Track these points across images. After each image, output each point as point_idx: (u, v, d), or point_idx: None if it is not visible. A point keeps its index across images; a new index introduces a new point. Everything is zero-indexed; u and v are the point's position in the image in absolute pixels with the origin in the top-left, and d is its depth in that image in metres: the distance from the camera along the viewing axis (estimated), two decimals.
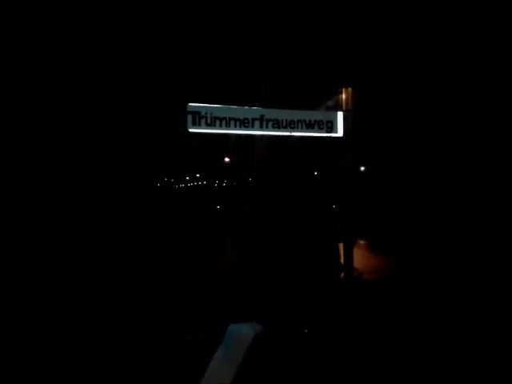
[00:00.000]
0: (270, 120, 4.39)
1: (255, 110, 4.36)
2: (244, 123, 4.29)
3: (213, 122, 4.17)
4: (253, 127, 4.33)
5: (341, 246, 5.16)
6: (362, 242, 16.58)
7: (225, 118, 4.22)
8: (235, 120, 4.26)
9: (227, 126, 4.23)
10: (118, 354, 5.58)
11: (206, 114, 4.16)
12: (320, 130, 4.57)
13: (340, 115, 4.63)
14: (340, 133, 4.63)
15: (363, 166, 23.72)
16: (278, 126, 4.41)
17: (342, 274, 5.48)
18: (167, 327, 6.36)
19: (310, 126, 4.52)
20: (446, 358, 5.30)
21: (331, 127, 4.59)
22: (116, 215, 17.18)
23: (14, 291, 7.74)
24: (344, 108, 4.66)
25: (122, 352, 5.64)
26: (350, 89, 4.72)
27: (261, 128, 4.36)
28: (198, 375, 5.00)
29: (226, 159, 31.94)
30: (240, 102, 4.32)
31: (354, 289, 5.00)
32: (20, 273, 8.87)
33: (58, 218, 13.53)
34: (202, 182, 57.74)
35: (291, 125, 4.45)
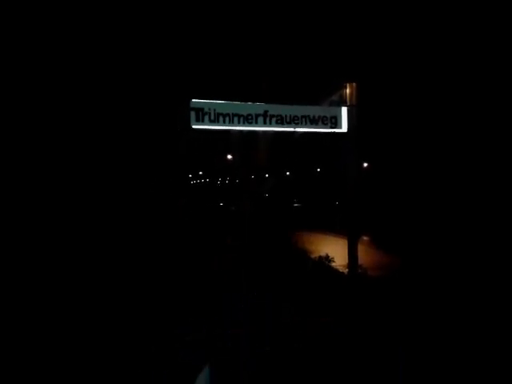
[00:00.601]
0: (273, 116, 4.35)
1: (259, 106, 4.33)
2: (247, 119, 4.26)
3: (216, 118, 4.14)
4: (256, 123, 4.29)
5: (342, 240, 5.14)
6: (365, 237, 16.54)
7: (228, 114, 4.18)
8: (239, 116, 4.22)
9: (231, 122, 4.20)
10: (119, 354, 5.58)
11: (210, 110, 4.13)
12: (324, 125, 4.53)
13: (344, 110, 4.59)
14: (344, 128, 4.58)
15: (366, 161, 23.62)
16: (281, 121, 4.38)
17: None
18: (167, 327, 6.35)
19: (314, 122, 4.48)
20: (446, 358, 5.27)
21: (335, 123, 4.55)
22: (116, 216, 17.15)
23: (15, 290, 7.74)
24: (348, 103, 4.61)
25: (122, 352, 5.64)
26: (354, 83, 4.67)
27: (264, 124, 4.33)
28: (197, 375, 5.00)
29: (229, 156, 31.84)
30: (243, 98, 4.29)
31: (357, 286, 4.98)
32: (21, 272, 8.86)
33: (58, 218, 13.52)
34: (205, 180, 57.74)
35: (295, 120, 4.41)
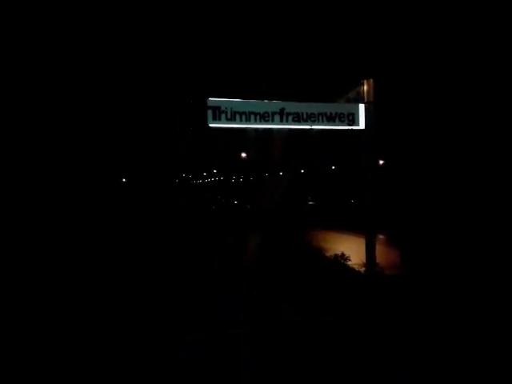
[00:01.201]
0: (290, 113, 4.34)
1: (275, 104, 4.32)
2: (264, 117, 4.26)
3: (233, 116, 4.16)
4: (273, 121, 4.29)
5: (358, 239, 5.09)
6: (381, 236, 16.36)
7: (245, 113, 4.20)
8: (255, 114, 4.23)
9: (247, 121, 4.21)
10: (118, 354, 5.61)
11: (226, 108, 4.15)
12: (341, 122, 4.51)
13: (361, 107, 4.55)
14: (361, 125, 4.55)
15: (383, 159, 23.30)
16: (298, 119, 4.37)
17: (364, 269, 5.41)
18: (167, 327, 6.36)
19: (330, 119, 4.46)
20: (446, 359, 5.17)
21: (353, 120, 4.52)
22: (116, 214, 17.22)
23: (12, 291, 7.79)
24: (365, 100, 4.57)
25: (122, 352, 5.67)
26: (371, 80, 4.62)
27: (281, 122, 4.32)
28: (197, 375, 5.03)
29: (243, 154, 31.89)
30: (260, 96, 4.30)
31: (375, 284, 4.94)
32: (19, 272, 8.95)
33: (57, 216, 13.66)
34: (219, 178, 58.05)
35: (312, 118, 4.40)
